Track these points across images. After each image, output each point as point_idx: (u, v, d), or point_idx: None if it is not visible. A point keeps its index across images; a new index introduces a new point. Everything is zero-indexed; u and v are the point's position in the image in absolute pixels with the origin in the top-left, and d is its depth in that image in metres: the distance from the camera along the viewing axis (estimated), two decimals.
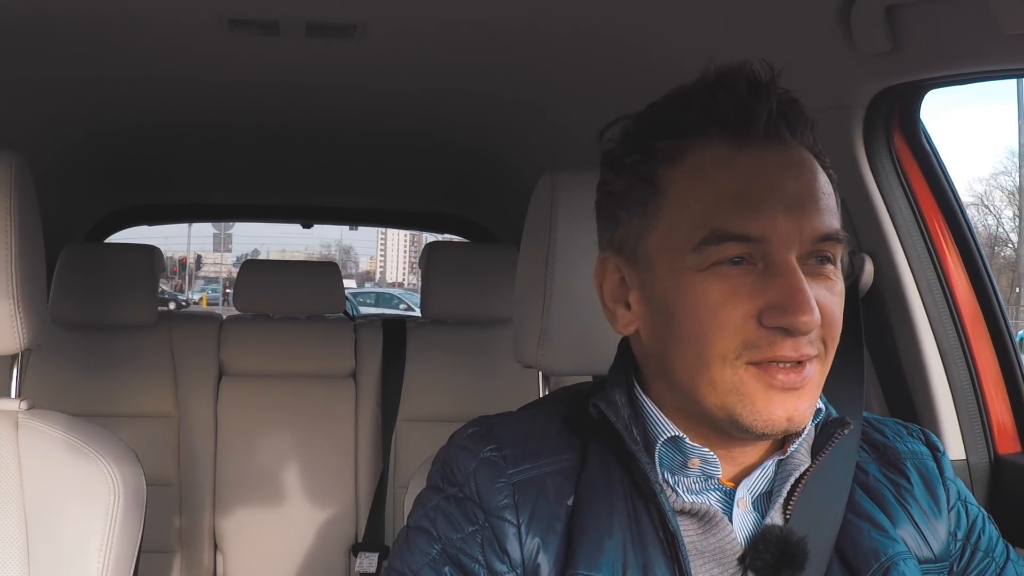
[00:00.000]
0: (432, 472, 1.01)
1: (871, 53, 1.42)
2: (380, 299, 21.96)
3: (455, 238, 3.83)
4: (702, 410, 0.91)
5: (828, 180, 0.94)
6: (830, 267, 0.91)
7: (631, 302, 0.97)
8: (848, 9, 1.40)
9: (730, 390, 0.88)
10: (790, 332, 0.86)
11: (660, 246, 0.92)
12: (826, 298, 0.89)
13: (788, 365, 0.87)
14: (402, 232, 40.70)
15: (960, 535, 1.03)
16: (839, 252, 0.92)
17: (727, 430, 0.90)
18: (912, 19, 1.35)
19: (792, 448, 0.95)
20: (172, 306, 16.82)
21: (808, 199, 0.90)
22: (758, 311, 0.87)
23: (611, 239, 0.98)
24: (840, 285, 0.92)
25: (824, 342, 0.90)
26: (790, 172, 0.90)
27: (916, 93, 1.57)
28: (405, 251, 42.29)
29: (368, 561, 2.67)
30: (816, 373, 0.90)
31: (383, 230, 39.62)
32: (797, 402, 0.88)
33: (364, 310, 15.34)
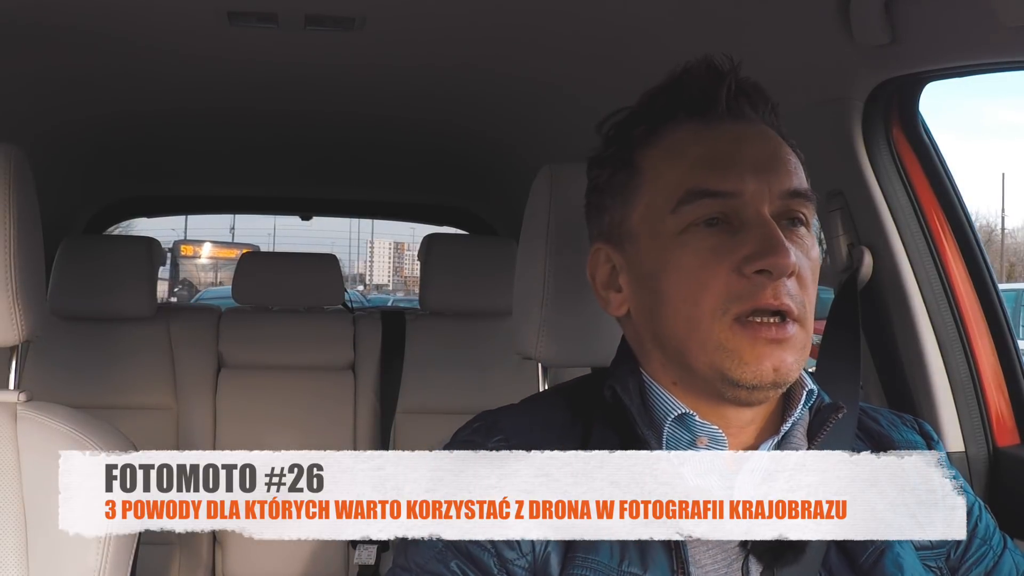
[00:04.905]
0: None
1: (870, 45, 1.42)
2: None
3: (453, 230, 3.82)
4: (694, 374, 0.94)
5: (795, 155, 0.99)
6: (803, 229, 0.96)
7: (621, 284, 1.01)
8: (847, 1, 1.40)
9: (718, 347, 0.91)
10: (770, 275, 0.90)
11: (641, 218, 0.98)
12: (801, 260, 0.93)
13: (771, 320, 0.91)
14: (387, 241, 41.73)
15: None
16: (811, 214, 0.97)
17: (719, 390, 0.93)
18: (911, 11, 1.35)
19: (786, 428, 0.97)
20: None
21: (775, 161, 0.96)
22: (738, 263, 0.91)
23: (600, 229, 1.04)
24: (815, 252, 0.97)
25: (804, 305, 0.93)
26: (756, 139, 0.97)
27: (915, 85, 1.57)
28: (389, 258, 44.28)
29: (367, 553, 2.67)
30: (799, 334, 0.92)
31: (371, 243, 40.86)
32: (783, 354, 0.91)
33: None
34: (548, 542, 0.93)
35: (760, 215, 0.92)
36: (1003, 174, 51.03)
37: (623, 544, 0.92)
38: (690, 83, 0.98)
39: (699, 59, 0.98)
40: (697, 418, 0.95)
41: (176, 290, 17.99)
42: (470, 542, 0.93)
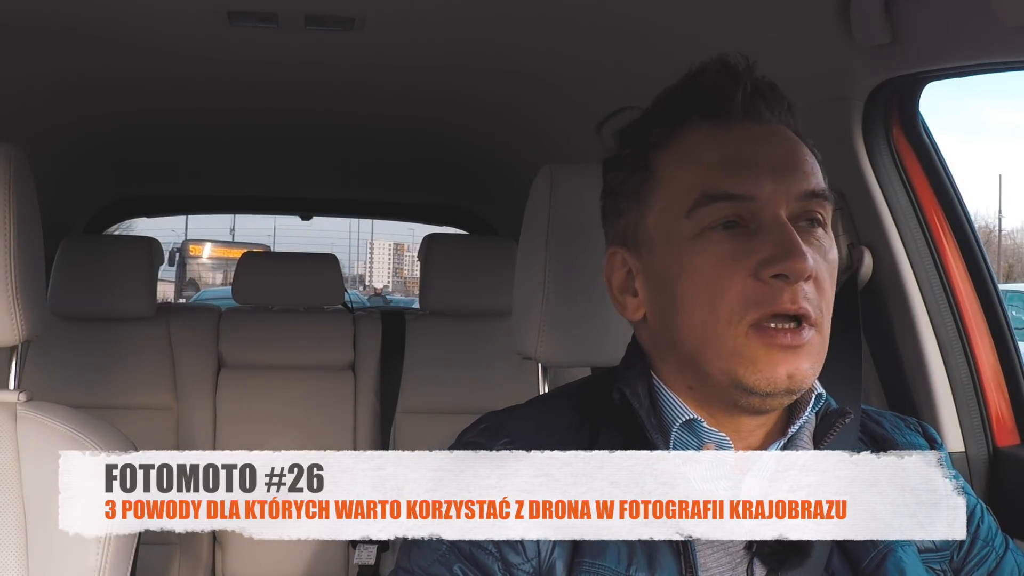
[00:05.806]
0: None
1: (870, 45, 1.42)
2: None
3: (453, 230, 3.82)
4: (709, 380, 0.93)
5: (812, 155, 0.98)
6: (820, 230, 0.95)
7: (637, 288, 1.00)
8: (847, 1, 1.40)
9: (733, 353, 0.90)
10: (788, 279, 0.89)
11: (656, 222, 0.96)
12: (818, 263, 0.92)
13: (787, 326, 0.90)
14: (387, 242, 41.82)
15: None
16: (828, 214, 0.96)
17: (733, 396, 0.92)
18: (911, 11, 1.35)
19: (793, 431, 0.97)
20: None
21: (791, 162, 0.95)
22: (754, 268, 0.90)
23: (616, 232, 1.02)
24: (833, 254, 0.95)
25: (820, 309, 0.92)
26: (772, 140, 0.95)
27: (915, 86, 1.57)
28: (389, 259, 44.48)
29: (367, 553, 2.67)
30: (815, 340, 0.91)
31: (371, 244, 41.13)
32: (797, 361, 0.90)
33: None
34: (553, 547, 0.93)
35: (777, 218, 0.91)
36: (1000, 175, 51.04)
37: (630, 549, 0.92)
38: (705, 84, 0.96)
39: (714, 59, 0.97)
40: (705, 424, 0.95)
41: (184, 292, 17.74)
42: (474, 546, 0.92)
